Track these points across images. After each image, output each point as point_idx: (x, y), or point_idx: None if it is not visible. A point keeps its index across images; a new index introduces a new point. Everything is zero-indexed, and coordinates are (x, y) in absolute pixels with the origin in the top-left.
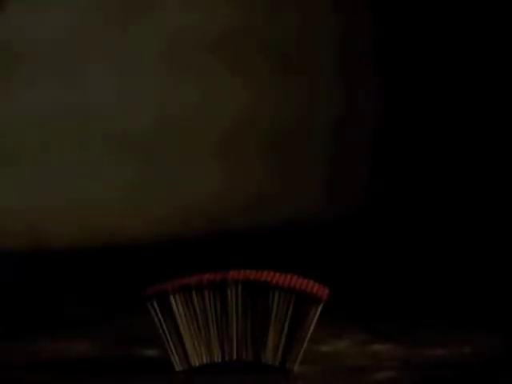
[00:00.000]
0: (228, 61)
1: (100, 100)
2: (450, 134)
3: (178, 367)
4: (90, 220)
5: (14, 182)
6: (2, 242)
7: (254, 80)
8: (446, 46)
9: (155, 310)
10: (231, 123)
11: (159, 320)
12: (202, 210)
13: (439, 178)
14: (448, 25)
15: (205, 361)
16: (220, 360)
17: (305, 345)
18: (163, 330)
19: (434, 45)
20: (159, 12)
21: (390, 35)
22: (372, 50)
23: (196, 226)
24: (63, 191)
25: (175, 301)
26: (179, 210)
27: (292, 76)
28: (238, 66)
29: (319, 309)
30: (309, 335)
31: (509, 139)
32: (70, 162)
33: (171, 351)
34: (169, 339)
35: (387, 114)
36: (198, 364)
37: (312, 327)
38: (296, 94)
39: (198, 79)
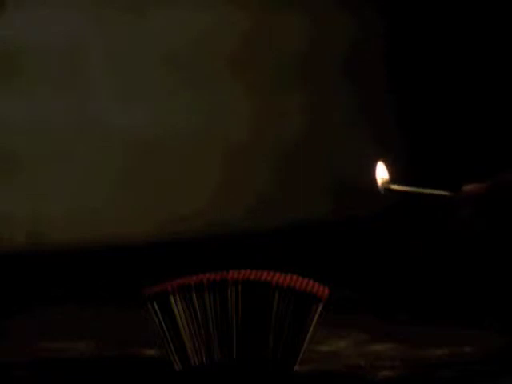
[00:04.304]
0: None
1: (101, 104)
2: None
3: (178, 367)
4: (90, 220)
5: (14, 188)
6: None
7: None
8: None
9: (155, 310)
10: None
11: (159, 320)
12: (202, 211)
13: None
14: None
15: (205, 361)
16: (220, 360)
17: (305, 345)
18: (163, 330)
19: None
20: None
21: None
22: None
23: (196, 227)
24: (63, 192)
25: (175, 301)
26: (179, 211)
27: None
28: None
29: (319, 309)
30: (309, 335)
31: None
32: (71, 165)
33: (171, 351)
34: (169, 339)
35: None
36: (197, 364)
37: (312, 327)
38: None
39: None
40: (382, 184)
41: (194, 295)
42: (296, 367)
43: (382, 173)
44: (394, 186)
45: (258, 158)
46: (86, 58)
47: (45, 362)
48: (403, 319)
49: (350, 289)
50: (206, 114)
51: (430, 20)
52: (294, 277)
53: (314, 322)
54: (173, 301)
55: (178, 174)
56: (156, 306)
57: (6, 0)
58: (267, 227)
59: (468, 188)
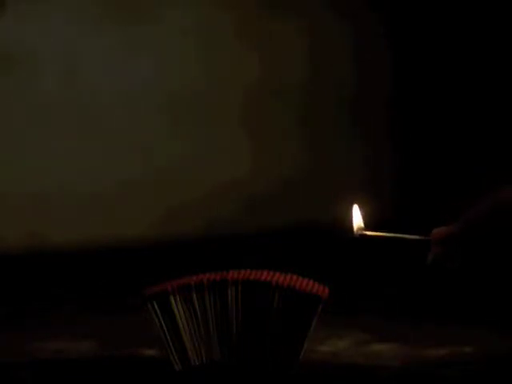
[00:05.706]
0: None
1: (101, 105)
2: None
3: (178, 367)
4: (90, 221)
5: (14, 188)
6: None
7: None
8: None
9: (155, 310)
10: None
11: (159, 320)
12: (202, 210)
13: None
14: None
15: (205, 361)
16: (220, 360)
17: (305, 345)
18: (163, 330)
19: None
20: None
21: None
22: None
23: (196, 227)
24: (64, 192)
25: (175, 301)
26: (179, 211)
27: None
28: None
29: (319, 309)
30: (309, 335)
31: None
32: (70, 163)
33: (171, 351)
34: (169, 339)
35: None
36: (197, 364)
37: (312, 327)
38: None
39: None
40: (357, 230)
41: (194, 295)
42: (296, 367)
43: (356, 218)
44: (369, 232)
45: (259, 160)
46: (86, 60)
47: (45, 362)
48: (403, 319)
49: (349, 289)
50: (207, 115)
51: (432, 36)
52: (294, 277)
53: (314, 322)
54: (173, 301)
55: (178, 175)
56: (156, 306)
57: (6, 0)
58: (267, 227)
59: (437, 231)
